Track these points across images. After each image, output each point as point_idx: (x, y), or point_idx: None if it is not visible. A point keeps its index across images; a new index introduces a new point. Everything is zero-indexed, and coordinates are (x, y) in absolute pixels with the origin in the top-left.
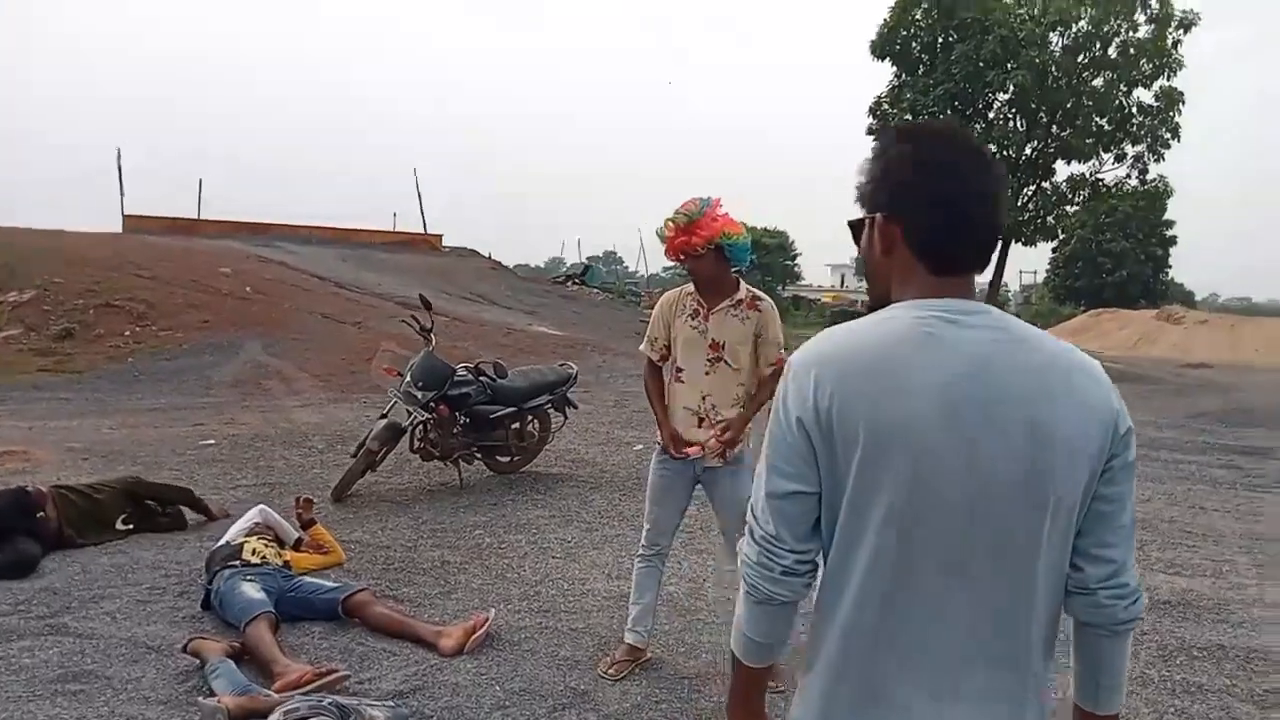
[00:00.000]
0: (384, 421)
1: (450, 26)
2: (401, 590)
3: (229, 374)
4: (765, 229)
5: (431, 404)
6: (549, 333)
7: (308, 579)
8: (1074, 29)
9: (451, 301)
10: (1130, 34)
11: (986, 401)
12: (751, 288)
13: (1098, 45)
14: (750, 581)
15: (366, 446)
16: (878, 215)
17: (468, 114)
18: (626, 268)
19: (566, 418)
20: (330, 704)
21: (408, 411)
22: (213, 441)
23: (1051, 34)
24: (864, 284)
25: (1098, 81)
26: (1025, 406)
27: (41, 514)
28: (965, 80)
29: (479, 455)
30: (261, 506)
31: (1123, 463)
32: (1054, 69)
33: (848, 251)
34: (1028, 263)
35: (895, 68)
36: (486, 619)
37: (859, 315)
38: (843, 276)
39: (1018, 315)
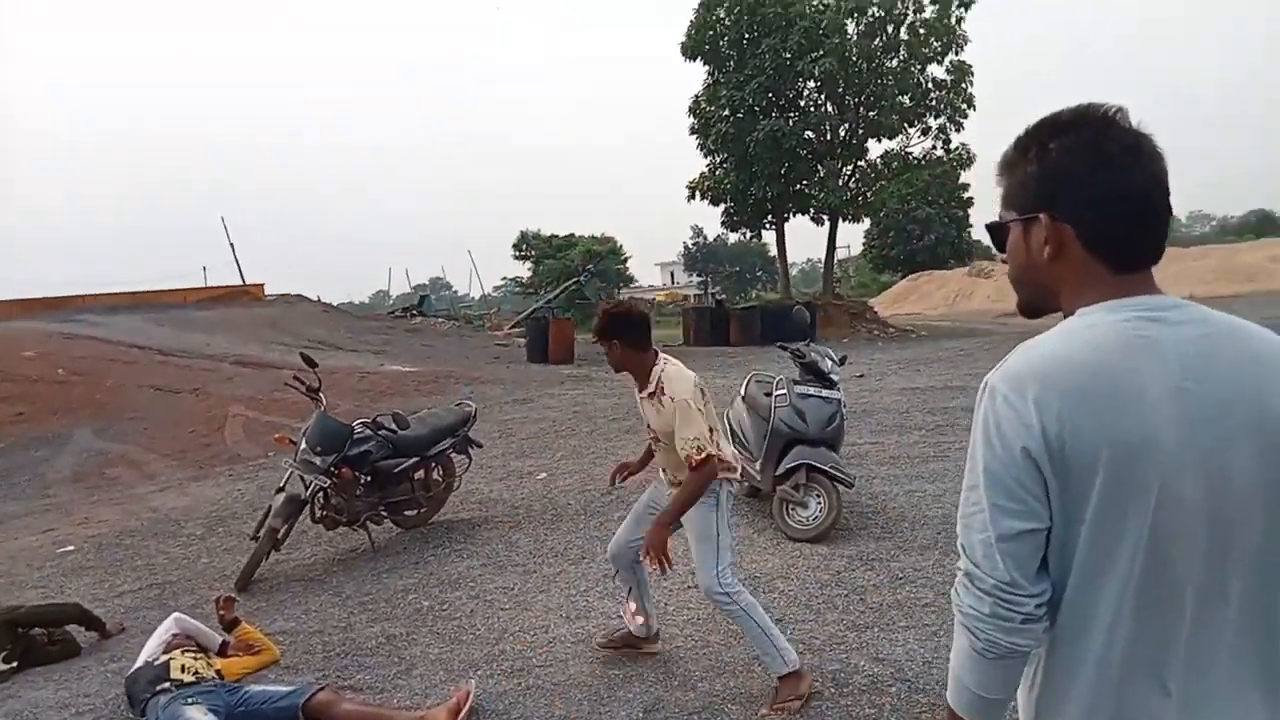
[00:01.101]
0: (282, 495)
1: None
2: (356, 677)
3: (65, 468)
4: (594, 236)
5: (332, 469)
6: (405, 370)
7: (253, 688)
8: (868, 15)
9: (290, 352)
10: (918, 15)
11: (1219, 404)
12: (662, 376)
13: (890, 28)
14: (985, 637)
15: (269, 526)
16: (1040, 216)
17: (263, 147)
18: (456, 291)
19: (470, 459)
20: None
21: (304, 481)
22: (72, 548)
23: (849, 21)
24: (695, 279)
25: (895, 62)
26: (1254, 402)
27: None
28: (776, 71)
29: (386, 513)
30: (176, 614)
31: None
32: (854, 54)
33: (673, 249)
34: (846, 237)
35: (708, 66)
36: (468, 693)
37: (703, 310)
38: (672, 274)
39: (837, 289)
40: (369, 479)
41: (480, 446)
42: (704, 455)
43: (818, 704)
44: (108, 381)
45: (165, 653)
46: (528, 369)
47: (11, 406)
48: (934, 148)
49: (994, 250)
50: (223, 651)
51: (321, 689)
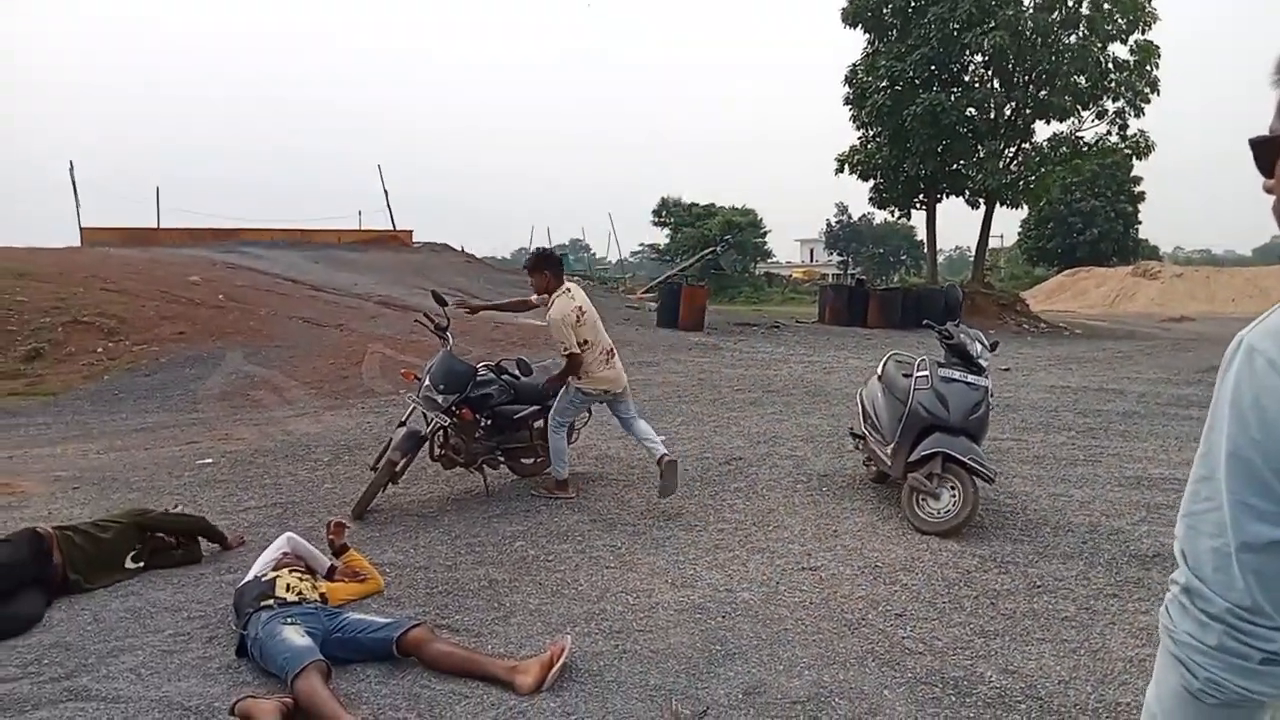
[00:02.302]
0: (403, 430)
1: (398, 22)
2: (453, 618)
3: (215, 387)
4: (735, 207)
5: (453, 408)
6: (538, 324)
7: (352, 615)
8: None
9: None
10: None
11: None
12: (553, 299)
13: (1071, 2)
14: (1207, 676)
15: (387, 458)
16: None
17: (422, 103)
18: (594, 254)
19: (590, 413)
20: None
21: (427, 417)
22: (210, 460)
23: None
24: (836, 258)
25: (1072, 39)
26: None
27: (55, 558)
28: (940, 43)
29: (503, 459)
30: (288, 534)
31: None
32: (1029, 28)
33: (815, 226)
34: (1000, 224)
35: (868, 34)
36: (563, 648)
37: (841, 288)
38: (811, 251)
39: (987, 278)
40: (489, 422)
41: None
42: (569, 353)
43: (934, 712)
44: (262, 310)
45: (274, 570)
46: (656, 333)
47: (174, 325)
48: (1108, 133)
49: (1157, 249)
50: (330, 575)
51: (417, 625)
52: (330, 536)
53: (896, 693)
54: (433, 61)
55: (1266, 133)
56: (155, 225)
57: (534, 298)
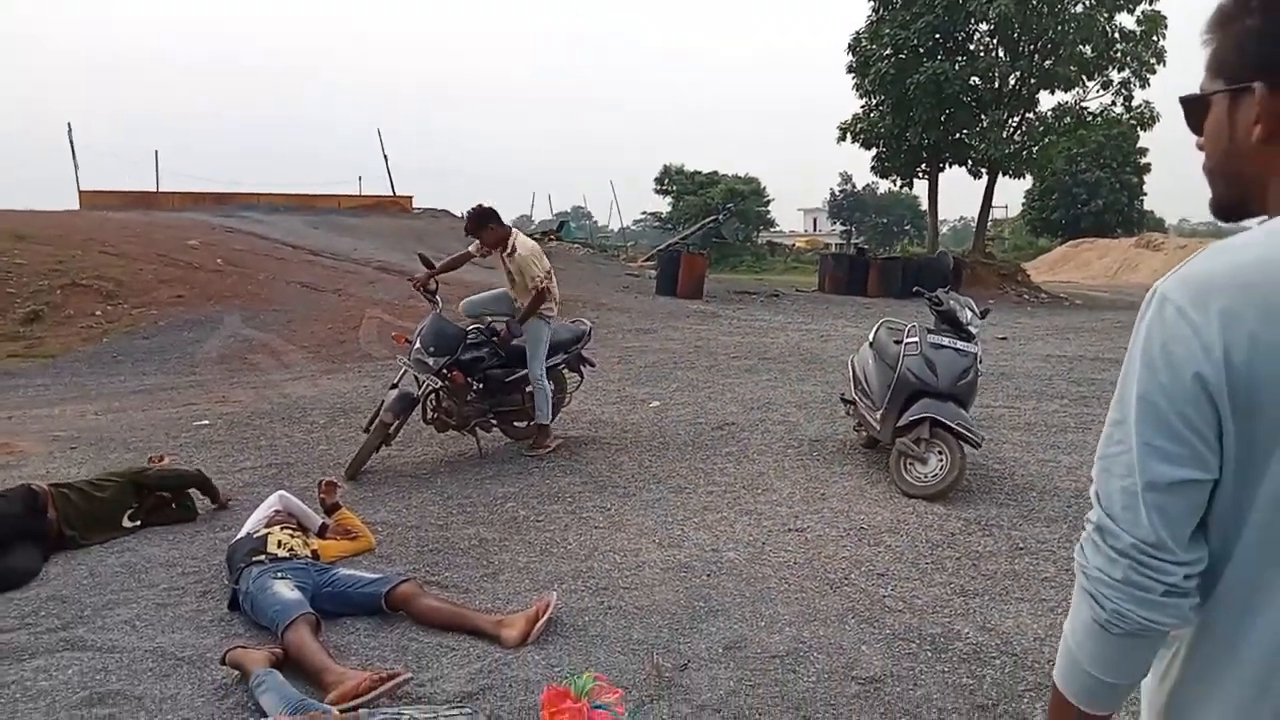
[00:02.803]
0: (395, 392)
1: None
2: (443, 575)
3: (213, 350)
4: (738, 175)
5: (444, 370)
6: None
7: (343, 571)
8: None
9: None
10: None
11: None
12: (515, 241)
13: None
14: (1114, 608)
15: (380, 419)
16: (1255, 86)
17: (421, 70)
18: (596, 222)
19: (583, 378)
20: (407, 718)
21: (419, 380)
22: (207, 422)
23: None
24: (839, 228)
25: (1079, 8)
26: None
27: (49, 514)
28: (945, 12)
29: (495, 422)
30: (280, 492)
31: None
32: None
33: (819, 196)
34: (1003, 195)
35: (873, 2)
36: (548, 604)
37: (842, 256)
38: (815, 220)
39: (988, 248)
40: (480, 385)
41: (593, 365)
42: (541, 287)
43: (910, 666)
44: (260, 275)
45: (266, 527)
46: (655, 300)
47: (172, 289)
48: (1113, 104)
49: (1163, 221)
50: (321, 533)
51: (405, 581)
52: (322, 495)
53: (874, 647)
54: (436, 29)
55: (1197, 91)
56: (154, 189)
57: (472, 248)
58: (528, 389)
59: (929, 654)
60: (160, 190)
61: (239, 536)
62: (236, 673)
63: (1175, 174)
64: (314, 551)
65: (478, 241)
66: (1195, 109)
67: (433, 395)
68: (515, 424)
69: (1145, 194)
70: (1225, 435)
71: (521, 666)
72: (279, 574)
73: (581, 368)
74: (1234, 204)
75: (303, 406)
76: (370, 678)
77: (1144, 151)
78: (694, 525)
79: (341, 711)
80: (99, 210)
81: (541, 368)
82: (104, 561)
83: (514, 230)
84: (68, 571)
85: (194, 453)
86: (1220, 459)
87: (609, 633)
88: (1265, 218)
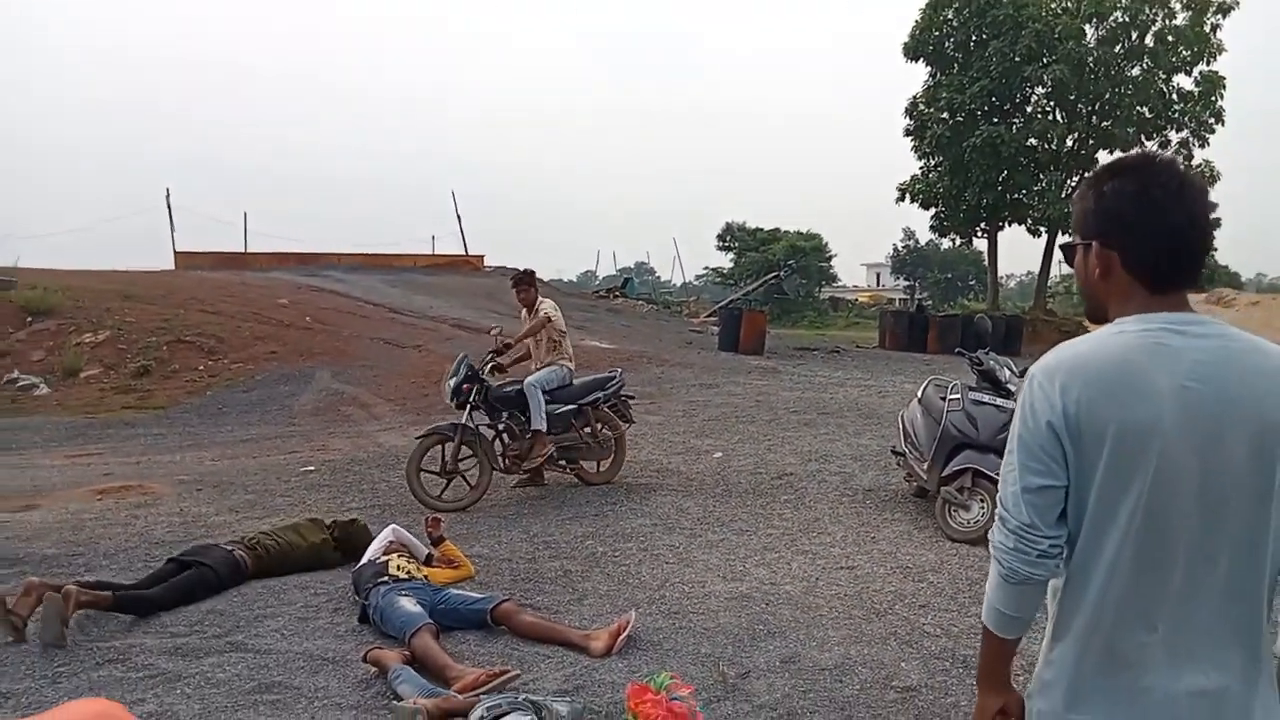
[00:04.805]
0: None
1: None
2: (535, 599)
3: (308, 403)
4: (799, 231)
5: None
6: (602, 346)
7: (453, 590)
8: (1110, 20)
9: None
10: (1167, 21)
11: (1215, 404)
12: (540, 303)
13: (1134, 35)
14: (1007, 566)
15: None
16: (1094, 243)
17: (484, 126)
18: (659, 277)
19: (630, 420)
20: (524, 700)
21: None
22: (312, 468)
23: (1087, 26)
24: (903, 283)
25: (1136, 71)
26: (1251, 406)
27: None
28: (1002, 76)
29: (563, 463)
30: (393, 526)
31: None
32: (1091, 60)
33: (882, 250)
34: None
35: (930, 67)
36: (628, 621)
37: (901, 313)
38: (878, 275)
39: (1048, 304)
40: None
41: (632, 398)
42: (549, 320)
43: (944, 680)
44: (345, 331)
45: (385, 555)
46: (717, 356)
47: (267, 345)
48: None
49: (1239, 276)
50: (428, 562)
51: (507, 600)
52: (429, 530)
53: (912, 664)
54: (503, 95)
55: (1070, 242)
56: (243, 249)
57: (547, 310)
58: (584, 429)
59: (960, 671)
60: (249, 251)
61: (362, 563)
62: (374, 670)
63: (1253, 227)
64: (425, 576)
65: (499, 330)
66: (1069, 253)
67: (498, 439)
68: (583, 464)
69: (1216, 249)
70: (1069, 457)
71: (607, 671)
72: (403, 592)
73: (624, 406)
74: (1094, 313)
75: (396, 454)
76: (487, 673)
77: (1213, 207)
78: (755, 562)
79: (464, 698)
80: (194, 270)
81: (537, 386)
82: (247, 585)
83: (541, 298)
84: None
85: (305, 495)
86: (1067, 473)
87: (680, 647)
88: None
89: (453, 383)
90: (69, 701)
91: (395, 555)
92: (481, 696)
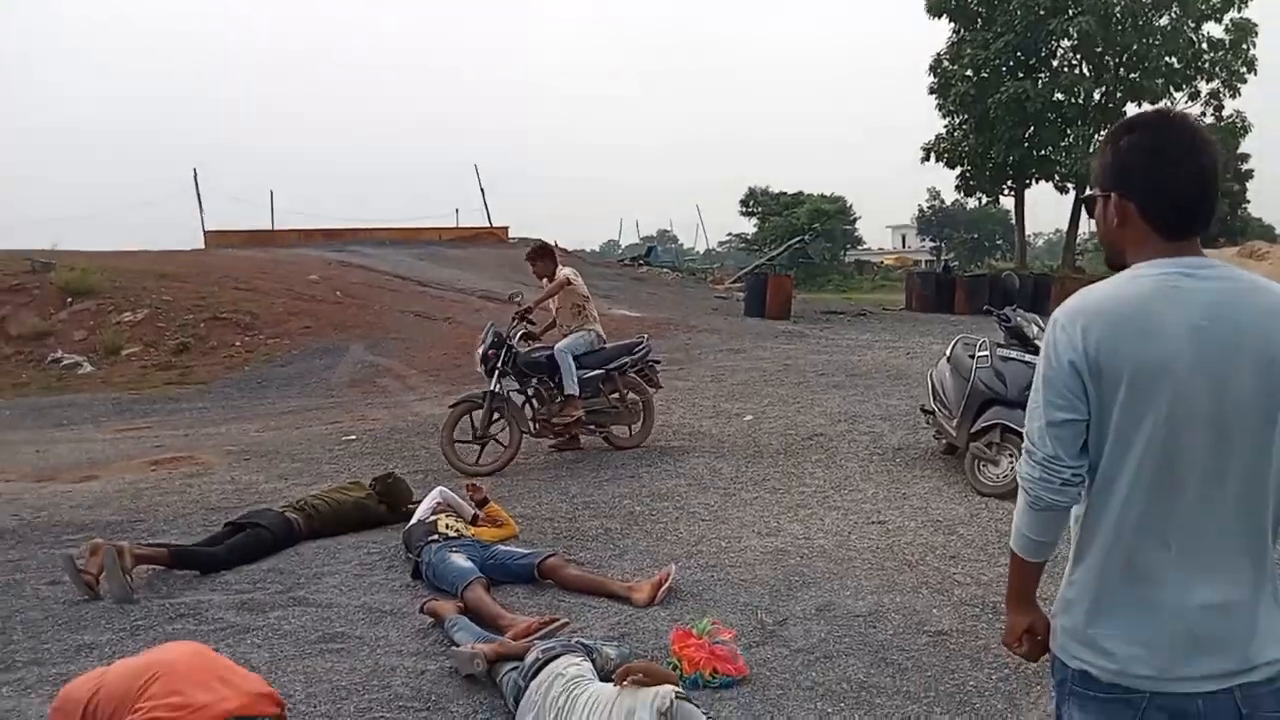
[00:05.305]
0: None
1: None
2: (578, 555)
3: (344, 375)
4: (823, 194)
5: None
6: (630, 314)
7: (500, 547)
8: None
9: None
10: None
11: (1226, 340)
12: (559, 270)
13: None
14: (1034, 494)
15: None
16: (1112, 194)
17: (502, 97)
18: (681, 245)
19: (659, 386)
20: (576, 643)
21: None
22: (354, 437)
23: None
24: (928, 244)
25: (1164, 20)
26: (1259, 342)
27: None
28: (1026, 30)
29: (593, 427)
30: (440, 488)
31: None
32: (1118, 11)
33: (907, 212)
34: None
35: (953, 24)
36: (669, 573)
37: (928, 275)
38: (903, 237)
39: (1077, 261)
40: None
41: (659, 363)
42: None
43: (973, 624)
44: (376, 305)
45: (433, 514)
46: (743, 321)
47: (300, 321)
48: (1203, 114)
49: (1273, 228)
50: (474, 522)
51: (553, 555)
52: (471, 495)
53: (943, 611)
54: (519, 63)
55: (1093, 191)
56: (270, 227)
57: (566, 273)
58: (612, 394)
59: (990, 616)
60: (276, 229)
61: (412, 523)
62: (431, 620)
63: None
64: (473, 535)
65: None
66: (1089, 204)
67: (529, 405)
68: (614, 429)
69: (1249, 201)
70: (1090, 393)
71: (651, 620)
72: (453, 549)
73: (652, 371)
74: (1113, 259)
75: (433, 423)
76: (538, 621)
77: (1244, 158)
78: (788, 519)
79: (518, 643)
80: (224, 249)
81: (566, 350)
82: (304, 545)
83: (562, 265)
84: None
85: (349, 462)
86: (1088, 408)
87: (719, 597)
88: (1127, 268)
89: (480, 350)
90: (166, 643)
91: (443, 515)
92: (535, 642)
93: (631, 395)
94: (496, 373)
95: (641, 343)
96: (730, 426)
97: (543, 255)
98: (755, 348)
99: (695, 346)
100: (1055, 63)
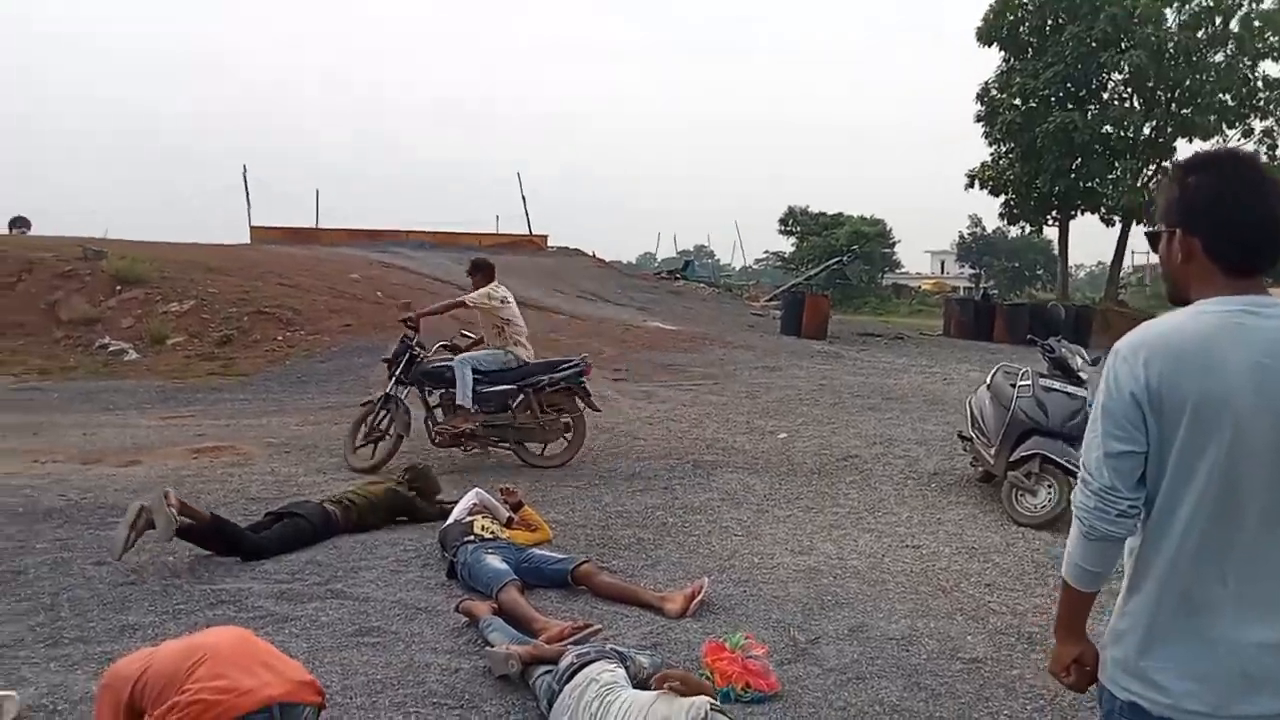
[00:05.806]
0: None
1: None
2: (610, 562)
3: (382, 374)
4: (863, 217)
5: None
6: (664, 328)
7: (535, 551)
8: (1192, 3)
9: (567, 300)
10: (1254, 5)
11: None
12: (488, 287)
13: (1219, 19)
14: (1088, 524)
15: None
16: (1177, 230)
17: (544, 112)
18: (719, 260)
19: (594, 408)
20: (610, 649)
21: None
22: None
23: (1167, 10)
24: (965, 271)
25: (1219, 57)
26: None
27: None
28: (1077, 61)
29: (497, 440)
30: (476, 489)
31: None
32: (1171, 46)
33: (947, 238)
34: (1140, 243)
35: (1003, 52)
36: (702, 585)
37: (967, 301)
38: (942, 263)
39: (1120, 295)
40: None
41: (588, 386)
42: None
43: (1008, 654)
44: (415, 307)
45: (469, 516)
46: (779, 340)
47: (341, 319)
48: (1257, 152)
49: None
50: (509, 525)
51: (586, 561)
52: (505, 498)
53: (977, 638)
54: (563, 80)
55: (1154, 228)
56: (314, 225)
57: (466, 297)
58: (523, 410)
59: (1025, 646)
60: (320, 227)
61: (448, 523)
62: (466, 619)
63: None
64: (508, 538)
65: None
66: (1153, 239)
67: (432, 414)
68: (526, 445)
69: None
70: (1149, 426)
71: (683, 631)
72: (489, 550)
73: (582, 390)
74: (1176, 295)
75: None
76: (572, 625)
77: None
78: (821, 538)
79: (552, 647)
80: (269, 245)
81: (465, 362)
82: (342, 538)
83: (496, 284)
84: (316, 545)
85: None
86: (1147, 440)
87: (751, 613)
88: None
89: (388, 357)
90: (212, 627)
91: (479, 517)
92: (569, 646)
93: (555, 415)
94: (394, 379)
95: (571, 361)
96: (764, 444)
97: (480, 269)
98: (791, 366)
99: (730, 362)
100: (1105, 95)
